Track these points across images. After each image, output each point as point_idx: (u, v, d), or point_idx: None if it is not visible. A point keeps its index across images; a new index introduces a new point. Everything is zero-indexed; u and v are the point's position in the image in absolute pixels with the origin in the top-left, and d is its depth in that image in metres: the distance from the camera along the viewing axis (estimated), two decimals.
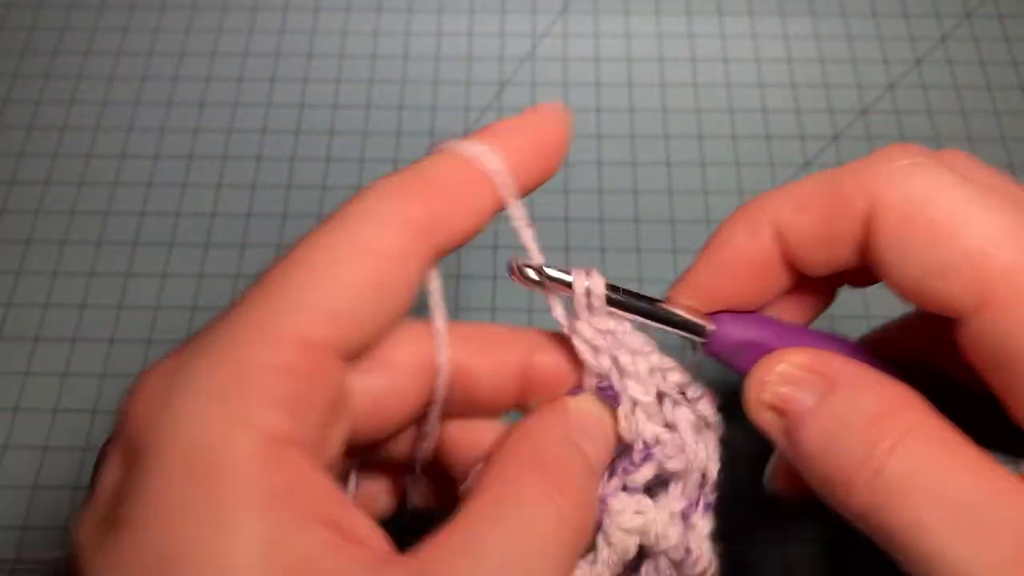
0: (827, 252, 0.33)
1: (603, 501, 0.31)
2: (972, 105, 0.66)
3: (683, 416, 0.33)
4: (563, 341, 0.34)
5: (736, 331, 0.34)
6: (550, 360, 0.34)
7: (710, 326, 0.34)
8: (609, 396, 0.33)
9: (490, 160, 0.31)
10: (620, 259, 0.58)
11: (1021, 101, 0.66)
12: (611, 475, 0.32)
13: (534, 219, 0.65)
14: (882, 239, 0.31)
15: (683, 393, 0.34)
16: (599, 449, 0.32)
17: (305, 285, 0.26)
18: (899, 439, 0.28)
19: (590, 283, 0.32)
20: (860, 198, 0.31)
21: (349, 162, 0.63)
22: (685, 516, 0.33)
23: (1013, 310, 0.28)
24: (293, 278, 0.27)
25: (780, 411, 0.31)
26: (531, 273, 0.33)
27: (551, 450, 0.31)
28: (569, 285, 0.33)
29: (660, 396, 0.33)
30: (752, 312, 0.35)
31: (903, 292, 0.31)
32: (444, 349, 0.32)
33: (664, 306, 0.34)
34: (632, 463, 0.32)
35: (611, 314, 0.33)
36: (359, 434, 0.30)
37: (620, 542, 0.32)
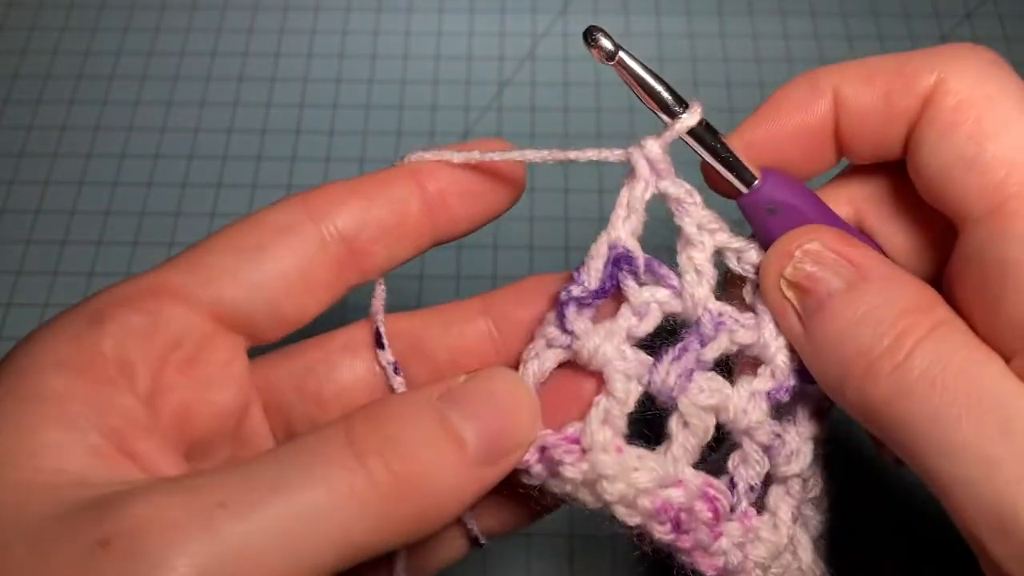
0: (880, 131, 0.32)
1: (678, 380, 0.29)
2: None
3: (752, 295, 0.31)
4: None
5: (779, 190, 0.32)
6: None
7: (758, 176, 0.32)
8: (666, 280, 0.31)
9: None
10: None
11: None
12: (682, 354, 0.30)
13: (533, 218, 0.65)
14: (932, 118, 0.30)
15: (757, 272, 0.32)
16: (491, 436, 0.28)
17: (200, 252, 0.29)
18: (929, 332, 0.28)
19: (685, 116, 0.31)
20: (927, 77, 0.31)
21: (349, 162, 0.63)
22: (771, 398, 0.30)
23: (1021, 220, 0.28)
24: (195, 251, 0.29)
25: (803, 289, 0.30)
26: (605, 43, 0.32)
27: (398, 409, 0.27)
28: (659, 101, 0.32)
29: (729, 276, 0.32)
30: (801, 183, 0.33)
31: (926, 179, 0.31)
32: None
33: (726, 140, 0.32)
34: (702, 337, 0.30)
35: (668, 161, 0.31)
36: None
37: (697, 420, 0.29)
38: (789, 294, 0.31)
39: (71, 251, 0.60)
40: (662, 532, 0.29)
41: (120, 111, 0.66)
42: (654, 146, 0.31)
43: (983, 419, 0.26)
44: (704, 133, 0.32)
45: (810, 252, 0.31)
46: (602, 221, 0.62)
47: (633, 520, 0.29)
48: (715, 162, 0.32)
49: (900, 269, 0.31)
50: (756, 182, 0.32)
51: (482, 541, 0.34)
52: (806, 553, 0.32)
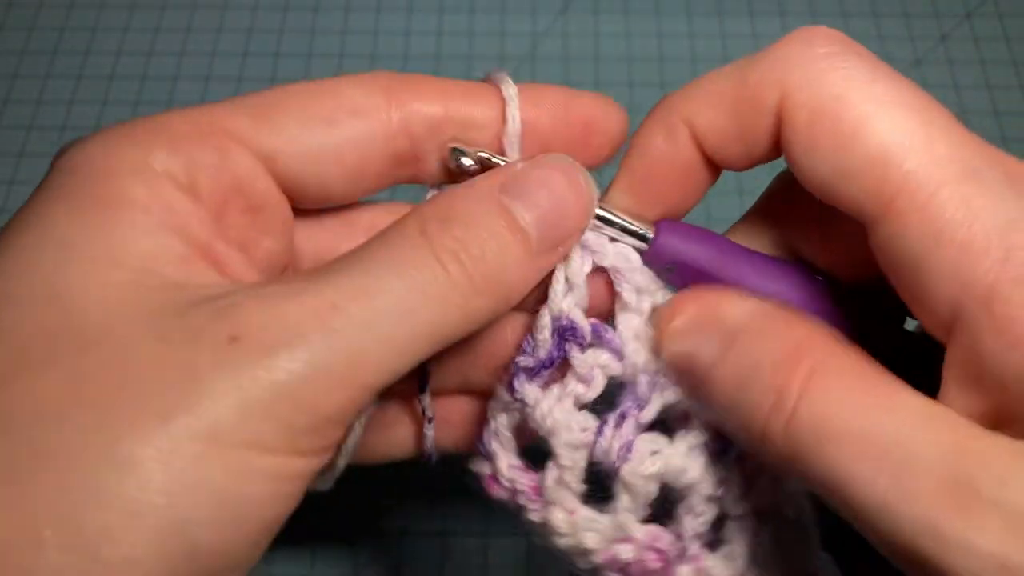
0: (744, 147, 0.31)
1: (619, 452, 0.30)
2: (972, 105, 0.66)
3: None
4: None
5: (669, 246, 0.32)
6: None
7: (650, 233, 0.32)
8: (605, 338, 0.31)
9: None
10: None
11: (1021, 101, 0.66)
12: (621, 423, 0.31)
13: None
14: (792, 137, 0.29)
15: None
16: (548, 225, 0.29)
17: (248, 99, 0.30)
18: (806, 382, 0.26)
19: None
20: (770, 93, 0.30)
21: None
22: (708, 448, 0.31)
23: (914, 215, 0.27)
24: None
25: (685, 369, 0.30)
26: (464, 159, 0.31)
27: (464, 206, 0.29)
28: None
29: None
30: (696, 227, 0.33)
31: (816, 192, 0.29)
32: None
33: (607, 208, 0.32)
34: (639, 400, 0.31)
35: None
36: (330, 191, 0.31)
37: (640, 487, 0.31)
38: (678, 374, 0.30)
39: None
40: None
41: (120, 111, 0.66)
42: (589, 234, 0.32)
43: (877, 468, 0.25)
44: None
45: (677, 331, 0.30)
46: None
47: (585, 567, 0.31)
48: (612, 231, 0.32)
49: (770, 310, 0.29)
50: (649, 236, 0.32)
51: (433, 457, 0.36)
52: None
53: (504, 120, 0.31)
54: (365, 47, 0.69)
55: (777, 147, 0.31)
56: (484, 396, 0.35)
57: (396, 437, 0.36)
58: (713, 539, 0.32)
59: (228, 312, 0.25)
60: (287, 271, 0.32)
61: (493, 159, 0.32)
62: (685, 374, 0.30)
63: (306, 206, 0.32)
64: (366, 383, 0.26)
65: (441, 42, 0.69)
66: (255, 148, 0.29)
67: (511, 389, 0.31)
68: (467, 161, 0.31)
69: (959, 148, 0.27)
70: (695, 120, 0.32)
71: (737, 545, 0.31)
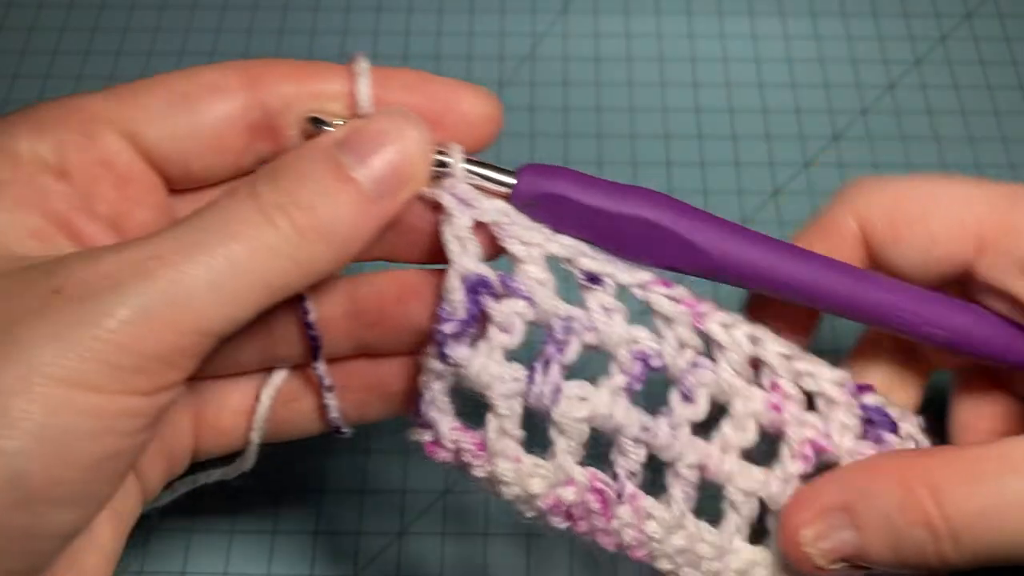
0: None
1: (551, 395, 0.32)
2: (972, 105, 0.66)
3: (589, 297, 0.33)
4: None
5: (536, 183, 0.33)
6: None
7: (512, 179, 0.33)
8: (518, 290, 0.33)
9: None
10: None
11: (1021, 101, 0.66)
12: (547, 368, 0.32)
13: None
14: (880, 241, 0.35)
15: (591, 279, 0.33)
16: (382, 173, 0.30)
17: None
18: (937, 502, 0.30)
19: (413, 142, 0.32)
20: (849, 221, 0.35)
21: None
22: (629, 392, 0.33)
23: (1008, 238, 0.33)
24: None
25: (839, 561, 0.32)
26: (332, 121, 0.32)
27: (291, 162, 0.30)
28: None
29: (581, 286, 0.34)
30: (559, 167, 0.34)
31: (916, 276, 0.35)
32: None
33: (470, 158, 0.33)
34: (558, 343, 0.32)
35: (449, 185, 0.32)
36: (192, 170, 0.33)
37: (573, 430, 0.33)
38: (839, 569, 0.33)
39: None
40: (558, 522, 0.33)
41: None
42: (457, 183, 0.32)
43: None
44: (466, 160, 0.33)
45: (815, 545, 0.32)
46: None
47: (530, 514, 0.34)
48: (479, 179, 0.33)
49: (857, 466, 0.34)
50: (511, 182, 0.33)
51: (344, 430, 0.37)
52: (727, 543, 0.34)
53: (356, 95, 0.32)
54: (365, 47, 0.69)
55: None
56: (382, 356, 0.36)
57: (304, 410, 0.37)
58: (653, 487, 0.34)
59: (54, 269, 0.27)
60: None
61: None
62: (845, 565, 0.33)
63: (179, 184, 0.33)
64: (199, 328, 0.27)
65: (441, 42, 0.69)
66: (119, 127, 0.31)
67: (443, 357, 0.32)
68: (329, 130, 0.32)
69: (994, 187, 0.35)
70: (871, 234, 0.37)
71: (675, 490, 0.33)
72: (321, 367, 0.36)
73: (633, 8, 0.70)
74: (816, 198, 0.62)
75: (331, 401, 0.36)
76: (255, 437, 0.36)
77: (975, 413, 0.39)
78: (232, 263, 0.27)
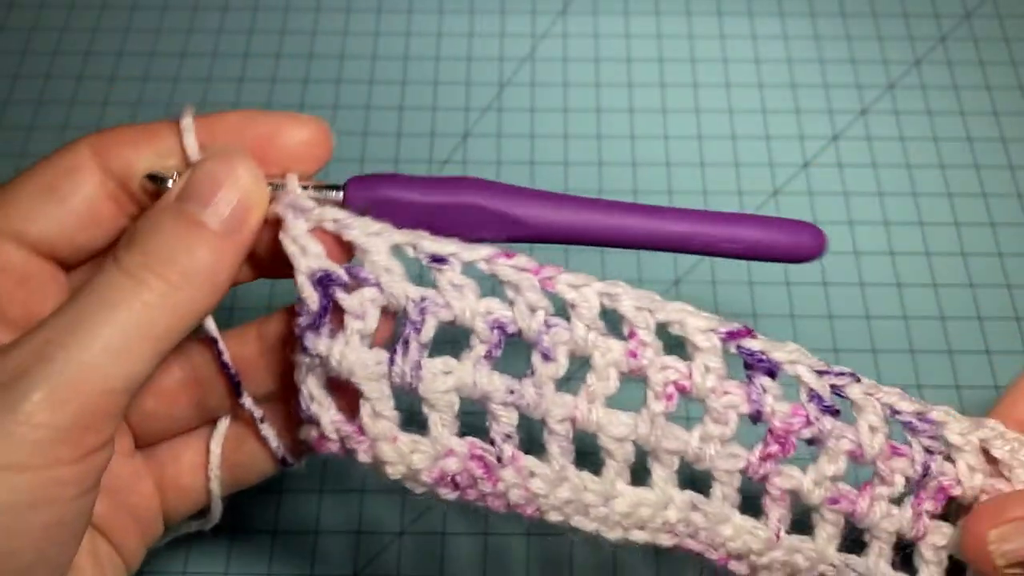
0: None
1: (412, 373, 0.34)
2: (971, 106, 0.66)
3: (438, 277, 0.35)
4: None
5: (364, 191, 0.36)
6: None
7: (340, 193, 0.36)
8: (368, 281, 0.34)
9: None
10: (621, 258, 0.58)
11: (1020, 101, 0.66)
12: (406, 348, 0.34)
13: None
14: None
15: (436, 260, 0.35)
16: (225, 210, 0.33)
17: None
18: None
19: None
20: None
21: (349, 162, 0.64)
22: (491, 359, 0.35)
23: None
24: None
25: (1017, 565, 0.35)
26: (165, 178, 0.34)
27: (143, 225, 0.33)
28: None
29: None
30: (383, 174, 0.37)
31: None
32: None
33: (303, 182, 0.35)
34: (414, 323, 0.34)
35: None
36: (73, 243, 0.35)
37: (442, 402, 0.34)
38: (1014, 571, 0.35)
39: None
40: (447, 494, 0.35)
41: (121, 112, 0.66)
42: (288, 195, 0.35)
43: None
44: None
45: (1003, 545, 0.35)
46: None
47: (420, 490, 0.35)
48: (312, 198, 0.35)
49: None
50: (338, 194, 0.36)
51: (290, 461, 0.39)
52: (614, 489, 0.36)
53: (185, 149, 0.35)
54: (366, 48, 0.69)
55: None
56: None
57: (254, 451, 0.39)
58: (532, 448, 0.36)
59: None
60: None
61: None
62: None
63: (71, 261, 0.36)
64: (104, 389, 0.30)
65: (440, 43, 0.69)
66: (4, 232, 0.34)
67: (304, 350, 0.34)
68: (169, 183, 0.34)
69: None
70: None
71: (552, 447, 0.35)
72: (247, 401, 0.38)
73: (632, 9, 0.71)
74: (815, 198, 0.62)
75: (267, 432, 0.38)
76: (215, 487, 0.38)
77: None
78: (117, 327, 0.30)
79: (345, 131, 0.65)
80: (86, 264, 0.36)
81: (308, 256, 0.34)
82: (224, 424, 0.39)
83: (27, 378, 0.29)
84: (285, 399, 0.38)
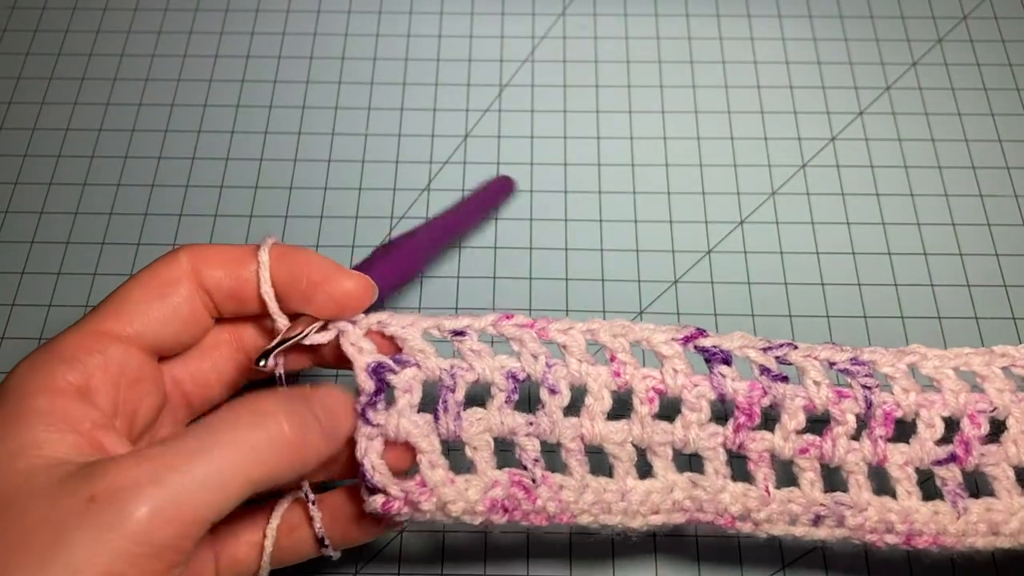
0: None
1: (455, 425, 0.42)
2: (969, 107, 0.66)
3: (460, 347, 0.43)
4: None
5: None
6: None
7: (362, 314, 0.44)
8: (407, 363, 0.42)
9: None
10: (620, 258, 0.59)
11: (1017, 104, 0.66)
12: (446, 406, 0.42)
13: (535, 219, 0.65)
14: None
15: (456, 334, 0.43)
16: (324, 425, 0.39)
17: (112, 300, 0.41)
18: None
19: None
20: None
21: (351, 163, 0.64)
22: (509, 402, 0.42)
23: None
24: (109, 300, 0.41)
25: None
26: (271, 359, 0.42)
27: (263, 397, 0.38)
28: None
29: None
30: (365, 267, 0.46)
31: None
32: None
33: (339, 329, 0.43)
34: (448, 387, 0.42)
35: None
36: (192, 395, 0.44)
37: (481, 443, 0.42)
38: None
39: (75, 251, 0.60)
40: (498, 519, 0.42)
41: (122, 112, 0.66)
42: (344, 325, 0.43)
43: None
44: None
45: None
46: (602, 221, 0.62)
47: (477, 520, 0.41)
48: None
49: None
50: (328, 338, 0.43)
51: (332, 554, 0.44)
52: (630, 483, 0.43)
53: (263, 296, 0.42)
54: (366, 49, 0.69)
55: None
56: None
57: (303, 537, 0.44)
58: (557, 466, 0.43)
59: (92, 477, 0.34)
60: (155, 427, 0.43)
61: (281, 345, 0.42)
62: None
63: (169, 354, 0.43)
64: (196, 519, 0.34)
65: (441, 45, 0.70)
66: (125, 338, 0.40)
67: (367, 421, 0.41)
68: (271, 361, 0.42)
69: None
70: None
71: (571, 461, 0.43)
72: (305, 485, 0.43)
73: (632, 11, 0.71)
74: (814, 199, 0.62)
75: (316, 514, 0.43)
76: (265, 562, 0.43)
77: None
78: (223, 464, 0.35)
79: (346, 131, 0.65)
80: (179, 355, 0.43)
81: (364, 353, 0.42)
82: (283, 507, 0.43)
83: (139, 497, 0.33)
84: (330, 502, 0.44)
